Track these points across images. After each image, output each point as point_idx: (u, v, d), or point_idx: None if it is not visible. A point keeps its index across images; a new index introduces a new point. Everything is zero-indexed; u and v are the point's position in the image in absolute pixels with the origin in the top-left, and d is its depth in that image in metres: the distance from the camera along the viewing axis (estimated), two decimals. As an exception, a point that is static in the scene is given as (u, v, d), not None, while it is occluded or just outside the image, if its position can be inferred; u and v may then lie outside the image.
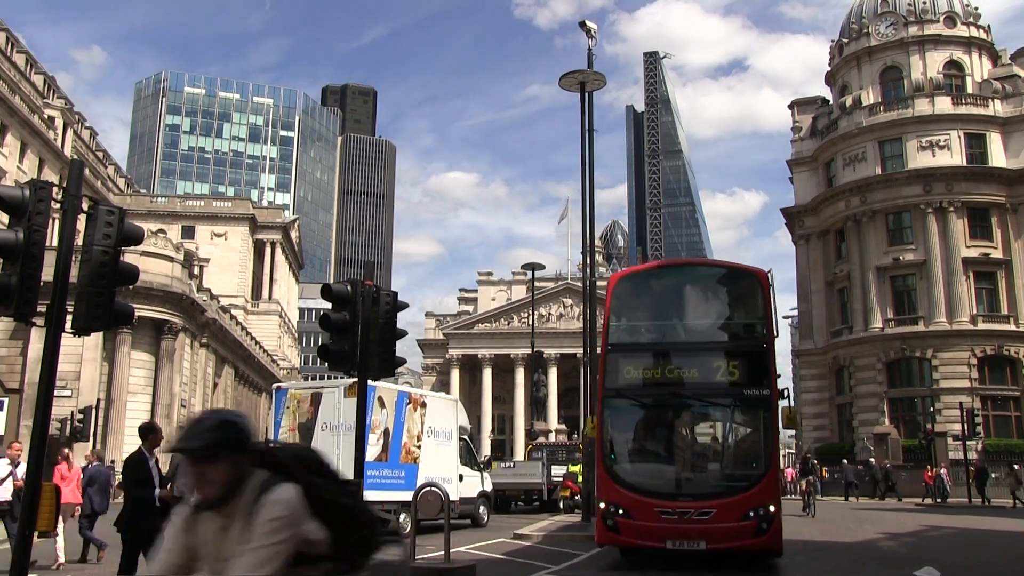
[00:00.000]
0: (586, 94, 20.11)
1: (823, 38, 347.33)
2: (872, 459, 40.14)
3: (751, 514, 11.08)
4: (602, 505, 11.77)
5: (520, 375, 75.97)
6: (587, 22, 20.95)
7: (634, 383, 12.32)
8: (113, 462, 34.43)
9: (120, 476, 14.43)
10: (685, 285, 13.61)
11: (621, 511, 11.47)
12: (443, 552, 10.77)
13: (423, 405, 19.42)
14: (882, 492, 38.07)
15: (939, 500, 34.31)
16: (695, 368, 12.22)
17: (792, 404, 9.86)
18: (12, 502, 11.92)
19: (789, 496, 41.03)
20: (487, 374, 79.71)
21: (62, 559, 12.46)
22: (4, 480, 11.70)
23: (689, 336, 13.08)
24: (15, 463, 12.06)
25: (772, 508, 11.16)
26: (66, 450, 14.58)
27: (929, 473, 35.78)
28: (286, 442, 17.81)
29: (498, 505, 27.46)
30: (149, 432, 8.79)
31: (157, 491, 8.45)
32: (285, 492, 2.75)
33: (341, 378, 15.84)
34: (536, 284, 46.81)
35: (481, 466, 23.12)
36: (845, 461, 40.33)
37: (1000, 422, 43.57)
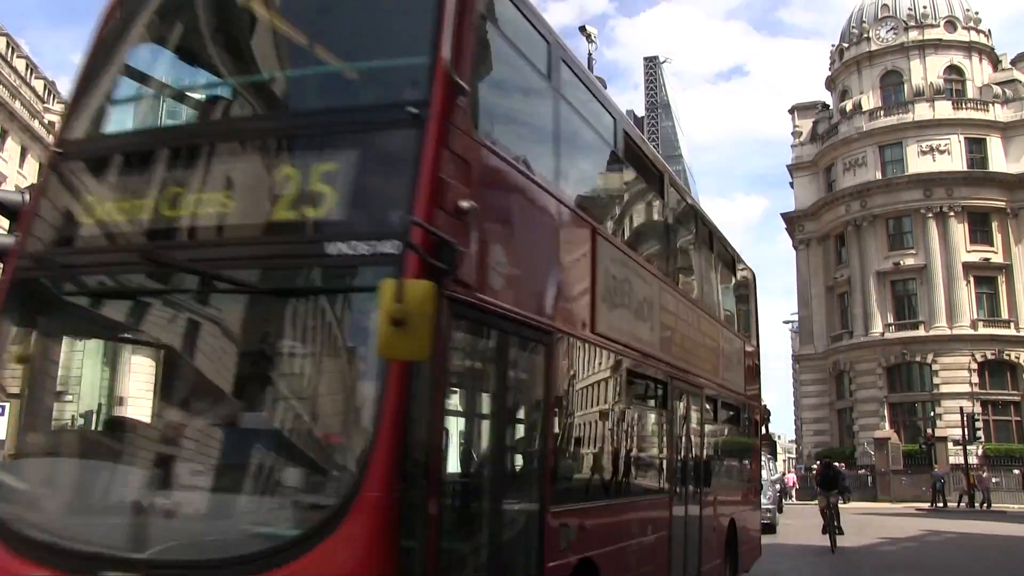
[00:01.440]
0: (586, 99, 20.12)
1: (824, 43, 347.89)
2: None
3: None
4: None
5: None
6: (587, 27, 21.04)
7: (83, 241, 4.78)
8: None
9: None
10: None
11: None
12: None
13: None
14: None
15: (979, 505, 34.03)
16: (221, 193, 4.49)
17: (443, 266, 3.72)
18: None
19: (793, 501, 40.68)
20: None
21: None
22: None
23: (229, 105, 5.31)
24: None
25: None
26: None
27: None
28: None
29: None
30: None
31: None
32: None
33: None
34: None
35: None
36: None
37: (1000, 427, 43.54)
